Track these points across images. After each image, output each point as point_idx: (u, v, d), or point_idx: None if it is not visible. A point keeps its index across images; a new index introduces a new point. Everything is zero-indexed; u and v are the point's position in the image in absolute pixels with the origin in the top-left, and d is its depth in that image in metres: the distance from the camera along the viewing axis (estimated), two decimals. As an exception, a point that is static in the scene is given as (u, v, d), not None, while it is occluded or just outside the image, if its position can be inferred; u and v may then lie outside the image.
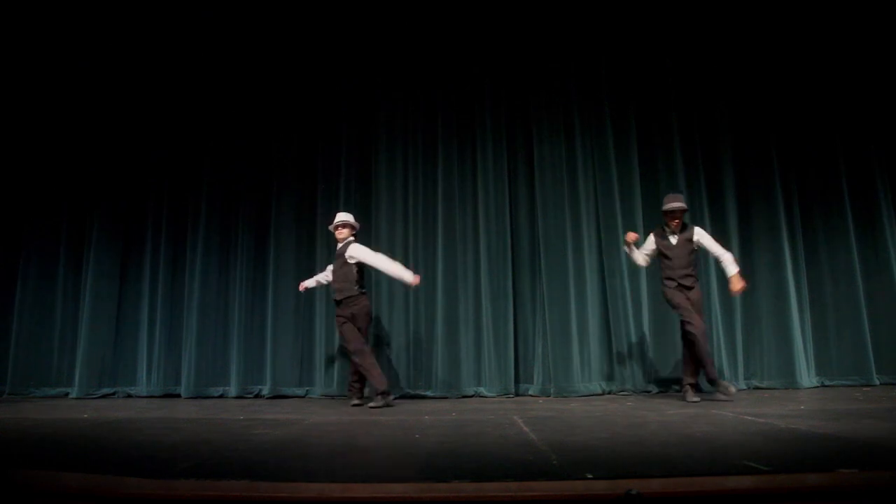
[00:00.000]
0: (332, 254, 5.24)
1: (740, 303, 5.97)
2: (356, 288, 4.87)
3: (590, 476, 2.04)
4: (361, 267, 4.96)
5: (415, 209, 6.13)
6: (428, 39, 6.33)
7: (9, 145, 6.49)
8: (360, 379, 4.88)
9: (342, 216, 5.04)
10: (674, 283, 4.84)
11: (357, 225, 5.09)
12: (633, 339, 5.83)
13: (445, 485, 1.96)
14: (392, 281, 5.91)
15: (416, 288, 5.40)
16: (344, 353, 5.29)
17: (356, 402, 4.81)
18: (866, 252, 6.15)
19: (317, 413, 4.38)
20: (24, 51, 6.41)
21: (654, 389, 5.66)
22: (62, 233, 6.41)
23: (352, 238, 5.00)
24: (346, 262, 4.89)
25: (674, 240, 4.88)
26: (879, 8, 6.16)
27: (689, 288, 4.82)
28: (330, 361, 5.88)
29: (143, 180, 6.38)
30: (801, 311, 5.97)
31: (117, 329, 6.18)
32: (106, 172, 6.39)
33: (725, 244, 6.01)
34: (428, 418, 3.92)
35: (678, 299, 4.77)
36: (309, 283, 5.35)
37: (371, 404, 4.65)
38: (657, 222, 5.14)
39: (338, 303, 4.90)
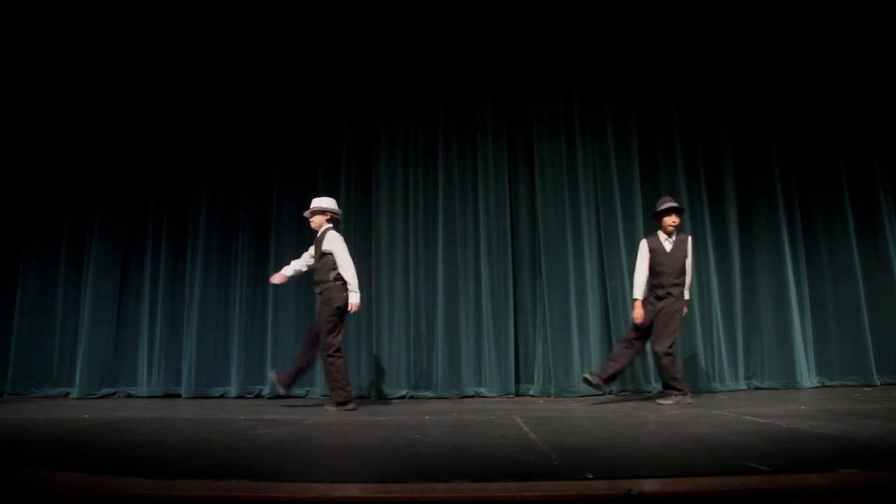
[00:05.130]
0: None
1: (740, 303, 5.97)
2: (334, 280, 4.52)
3: (590, 476, 2.04)
4: None
5: (415, 209, 6.13)
6: (428, 40, 6.32)
7: (9, 145, 6.48)
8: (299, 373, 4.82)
9: (317, 202, 4.75)
10: (653, 296, 4.65)
11: (338, 211, 4.89)
12: (634, 339, 5.82)
13: (445, 485, 1.96)
14: (393, 279, 5.96)
15: (360, 296, 4.72)
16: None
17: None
18: (867, 252, 6.14)
19: (317, 413, 4.38)
20: (25, 51, 6.41)
21: (655, 389, 5.66)
22: (62, 233, 6.40)
23: (329, 226, 4.69)
24: (323, 253, 4.59)
25: (668, 245, 4.71)
26: (879, 8, 6.16)
27: (664, 298, 4.60)
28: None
29: (143, 180, 6.37)
30: (801, 311, 5.96)
31: (118, 329, 6.17)
32: (106, 172, 6.38)
33: (726, 244, 6.09)
34: (428, 418, 3.92)
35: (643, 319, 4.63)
36: (286, 272, 4.81)
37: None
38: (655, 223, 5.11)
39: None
